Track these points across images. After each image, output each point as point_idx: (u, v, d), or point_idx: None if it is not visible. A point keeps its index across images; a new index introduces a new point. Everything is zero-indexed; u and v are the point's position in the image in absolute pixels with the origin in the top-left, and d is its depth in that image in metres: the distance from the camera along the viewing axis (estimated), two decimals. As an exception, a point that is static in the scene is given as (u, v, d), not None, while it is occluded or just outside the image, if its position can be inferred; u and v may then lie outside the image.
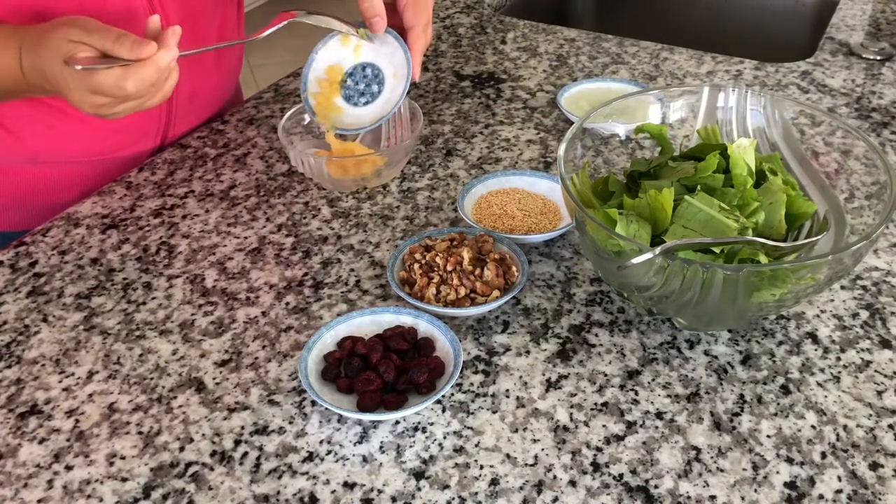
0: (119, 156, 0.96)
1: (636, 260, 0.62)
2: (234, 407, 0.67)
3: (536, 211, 0.85)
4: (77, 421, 0.66)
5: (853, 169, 0.74)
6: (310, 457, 0.63)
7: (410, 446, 0.64)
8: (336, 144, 0.92)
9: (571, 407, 0.67)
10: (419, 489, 0.61)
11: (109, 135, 0.93)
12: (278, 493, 0.61)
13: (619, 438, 0.64)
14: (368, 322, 0.72)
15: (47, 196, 0.94)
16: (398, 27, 0.88)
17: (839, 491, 0.60)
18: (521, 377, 0.69)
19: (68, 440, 0.65)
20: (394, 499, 0.60)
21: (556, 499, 0.60)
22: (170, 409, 0.67)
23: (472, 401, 0.67)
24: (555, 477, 0.61)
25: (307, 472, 0.62)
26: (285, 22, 0.83)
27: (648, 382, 0.69)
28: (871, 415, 0.66)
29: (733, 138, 0.81)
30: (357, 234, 0.86)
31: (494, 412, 0.66)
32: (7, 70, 0.75)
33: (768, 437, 0.64)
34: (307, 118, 0.96)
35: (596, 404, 0.67)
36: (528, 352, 0.72)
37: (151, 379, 0.70)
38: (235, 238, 0.85)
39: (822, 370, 0.70)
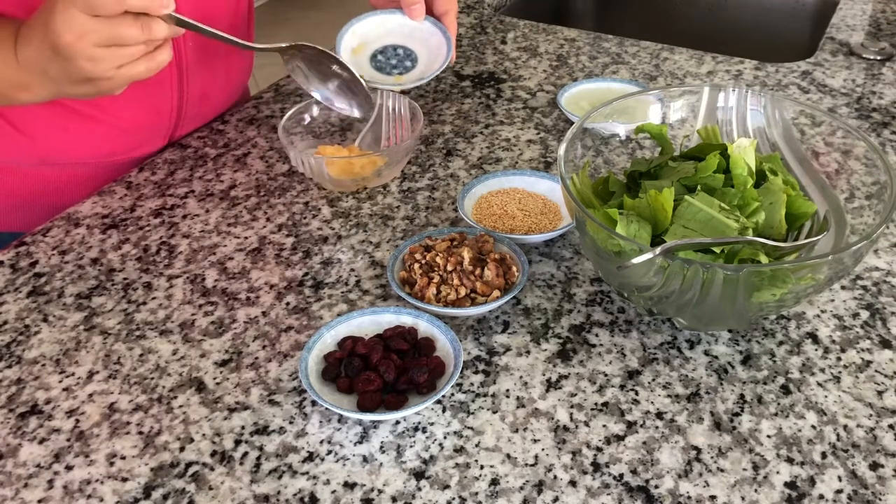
0: (128, 157, 0.96)
1: (636, 260, 0.62)
2: (235, 407, 0.67)
3: (536, 211, 0.85)
4: (77, 421, 0.66)
5: (853, 169, 0.74)
6: (310, 457, 0.63)
7: (411, 446, 0.64)
8: (330, 150, 0.93)
9: (572, 407, 0.67)
10: (419, 489, 0.61)
11: (120, 135, 0.93)
12: (278, 493, 0.61)
13: (620, 438, 0.64)
14: (368, 322, 0.72)
15: (54, 198, 0.95)
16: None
17: (839, 491, 0.60)
18: (521, 377, 0.69)
19: (68, 440, 0.65)
20: (394, 499, 0.60)
21: (556, 499, 0.60)
22: (170, 409, 0.67)
23: (473, 401, 0.67)
24: (555, 477, 0.61)
25: (307, 472, 0.62)
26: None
27: (648, 382, 0.69)
28: (871, 415, 0.66)
29: (733, 138, 0.81)
30: (357, 234, 0.86)
31: (495, 412, 0.66)
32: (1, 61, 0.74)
33: (768, 437, 0.64)
34: (307, 118, 0.96)
35: (596, 404, 0.67)
36: (528, 352, 0.72)
37: (152, 379, 0.70)
38: (235, 238, 0.85)
39: (822, 370, 0.70)
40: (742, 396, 0.67)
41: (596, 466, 0.62)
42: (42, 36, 0.70)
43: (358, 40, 0.92)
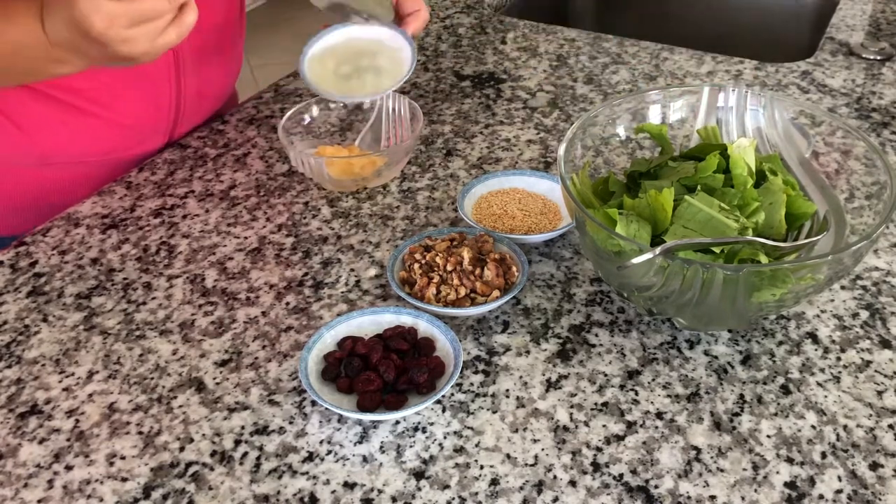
0: (128, 155, 0.96)
1: (636, 260, 0.62)
2: (235, 407, 0.67)
3: (536, 211, 0.85)
4: (77, 421, 0.66)
5: (853, 169, 0.74)
6: (310, 457, 0.63)
7: (410, 446, 0.64)
8: (330, 150, 0.93)
9: (571, 407, 0.67)
10: (419, 489, 0.61)
11: (120, 131, 0.93)
12: (278, 493, 0.61)
13: (620, 438, 0.64)
14: (368, 322, 0.72)
15: (56, 199, 0.95)
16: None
17: (839, 491, 0.60)
18: (521, 377, 0.69)
19: (68, 440, 0.65)
20: (394, 499, 0.60)
21: (556, 499, 0.60)
22: (170, 409, 0.67)
23: (472, 401, 0.67)
24: (555, 477, 0.61)
25: (307, 472, 0.62)
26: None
27: (648, 382, 0.69)
28: (871, 415, 0.66)
29: (733, 138, 0.81)
30: (357, 234, 0.86)
31: (494, 412, 0.66)
32: (29, 33, 0.71)
33: (768, 437, 0.64)
34: (307, 118, 0.96)
35: (596, 404, 0.67)
36: (528, 352, 0.72)
37: (151, 379, 0.70)
38: (235, 238, 0.85)
39: (822, 370, 0.70)
40: (742, 396, 0.67)
41: (596, 466, 0.62)
42: (69, 21, 0.68)
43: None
